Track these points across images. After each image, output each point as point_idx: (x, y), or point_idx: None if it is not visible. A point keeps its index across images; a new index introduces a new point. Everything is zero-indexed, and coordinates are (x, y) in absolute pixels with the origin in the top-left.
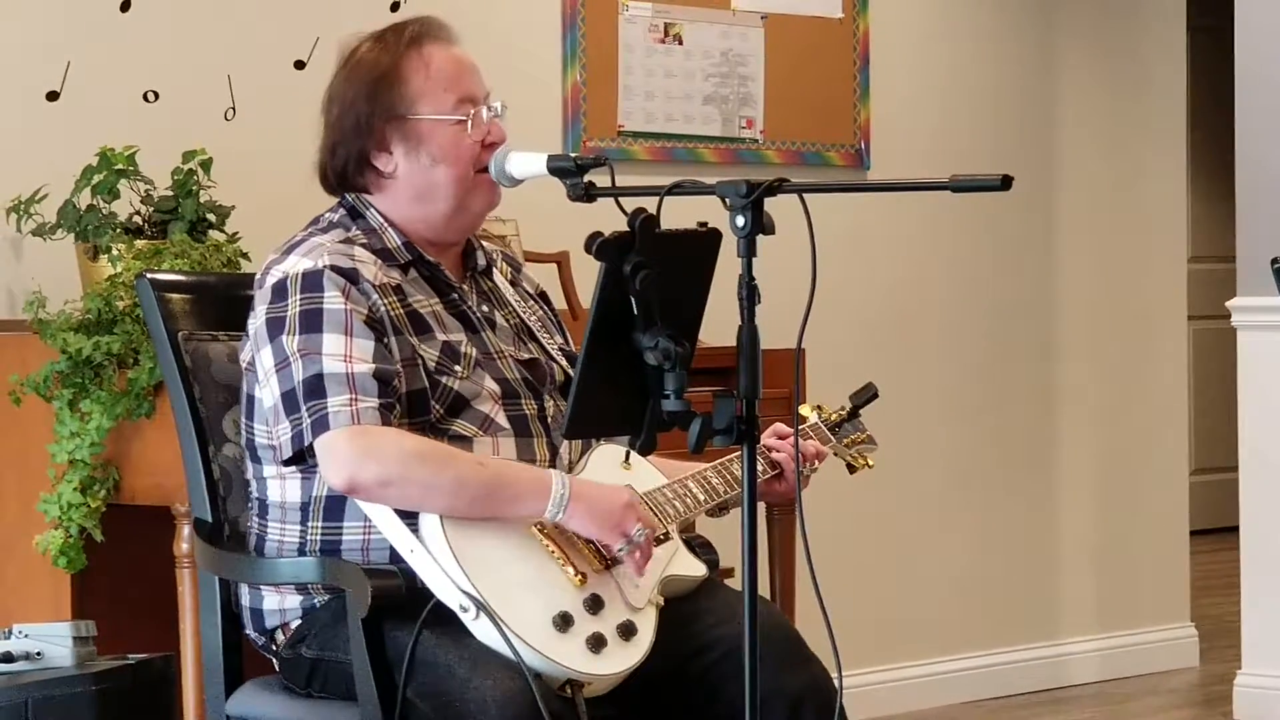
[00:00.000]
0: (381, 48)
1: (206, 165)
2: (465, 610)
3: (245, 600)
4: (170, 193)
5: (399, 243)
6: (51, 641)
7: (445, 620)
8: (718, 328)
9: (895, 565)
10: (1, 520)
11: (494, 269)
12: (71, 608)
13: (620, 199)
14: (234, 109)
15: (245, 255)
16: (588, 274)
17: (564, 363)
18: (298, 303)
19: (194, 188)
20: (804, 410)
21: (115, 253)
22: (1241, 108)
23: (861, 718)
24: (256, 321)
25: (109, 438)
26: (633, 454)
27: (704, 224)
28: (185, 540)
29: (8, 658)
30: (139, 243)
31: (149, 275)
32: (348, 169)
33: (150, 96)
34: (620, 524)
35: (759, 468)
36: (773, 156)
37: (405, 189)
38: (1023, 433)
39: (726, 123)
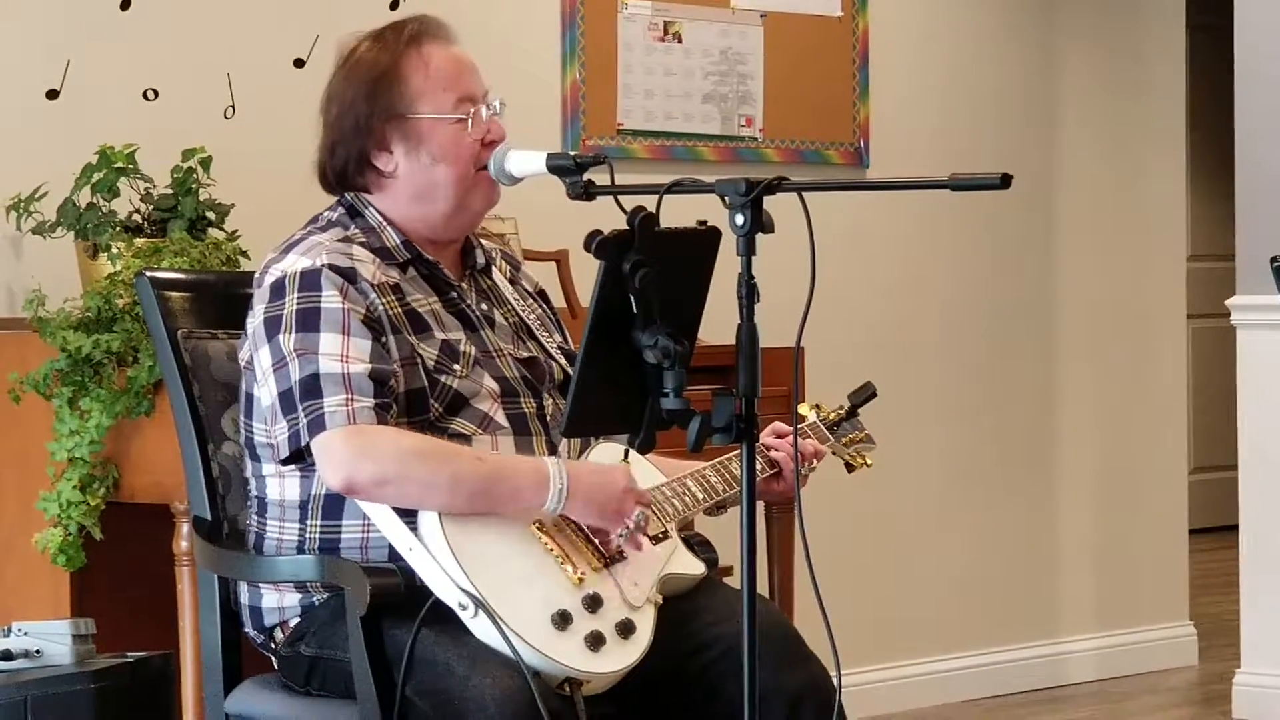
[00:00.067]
0: (380, 47)
1: (206, 163)
2: (464, 608)
3: (244, 598)
4: (170, 191)
5: (397, 241)
6: (51, 639)
7: (444, 618)
8: (717, 326)
9: (894, 564)
10: (1, 518)
11: (493, 267)
12: (71, 606)
13: (619, 197)
14: (234, 107)
15: (245, 253)
16: (587, 272)
17: (563, 361)
18: (295, 301)
19: (193, 186)
20: (802, 409)
21: (115, 251)
22: (1241, 107)
23: (860, 716)
24: (255, 320)
25: (108, 436)
26: (631, 452)
27: (703, 222)
28: (184, 538)
29: (7, 655)
30: (138, 241)
31: (148, 273)
32: (347, 168)
33: (150, 95)
34: (619, 510)
35: (757, 466)
36: (772, 155)
37: (405, 188)
38: (1022, 432)
39: (726, 121)
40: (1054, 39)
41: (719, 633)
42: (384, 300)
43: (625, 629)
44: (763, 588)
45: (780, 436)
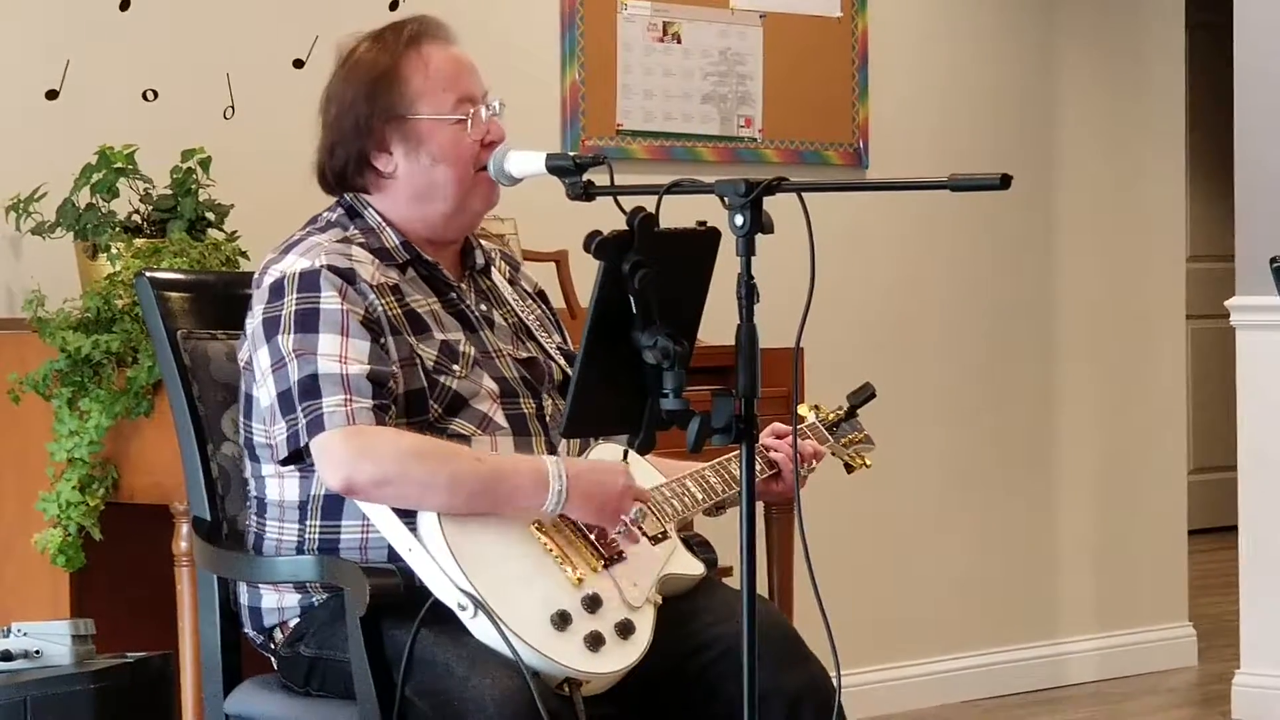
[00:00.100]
0: (380, 48)
1: (205, 164)
2: (463, 609)
3: (244, 599)
4: (169, 191)
5: (397, 242)
6: (50, 640)
7: (443, 619)
8: (716, 327)
9: (894, 564)
10: (0, 519)
11: (492, 268)
12: (70, 606)
13: (619, 198)
14: (233, 108)
15: (244, 254)
16: (586, 273)
17: (562, 362)
18: (294, 302)
19: (193, 186)
20: (802, 410)
21: (114, 251)
22: (1241, 107)
23: (860, 717)
24: (254, 321)
25: (108, 436)
26: (630, 453)
27: (703, 223)
28: (184, 539)
29: (6, 656)
30: (138, 241)
31: (148, 274)
32: (347, 169)
33: (149, 95)
34: (617, 509)
35: (756, 467)
36: (771, 155)
37: (405, 189)
38: (1021, 432)
39: (725, 122)
40: (1053, 39)
41: (718, 633)
42: (383, 301)
43: (625, 629)
44: (762, 588)
45: (779, 437)
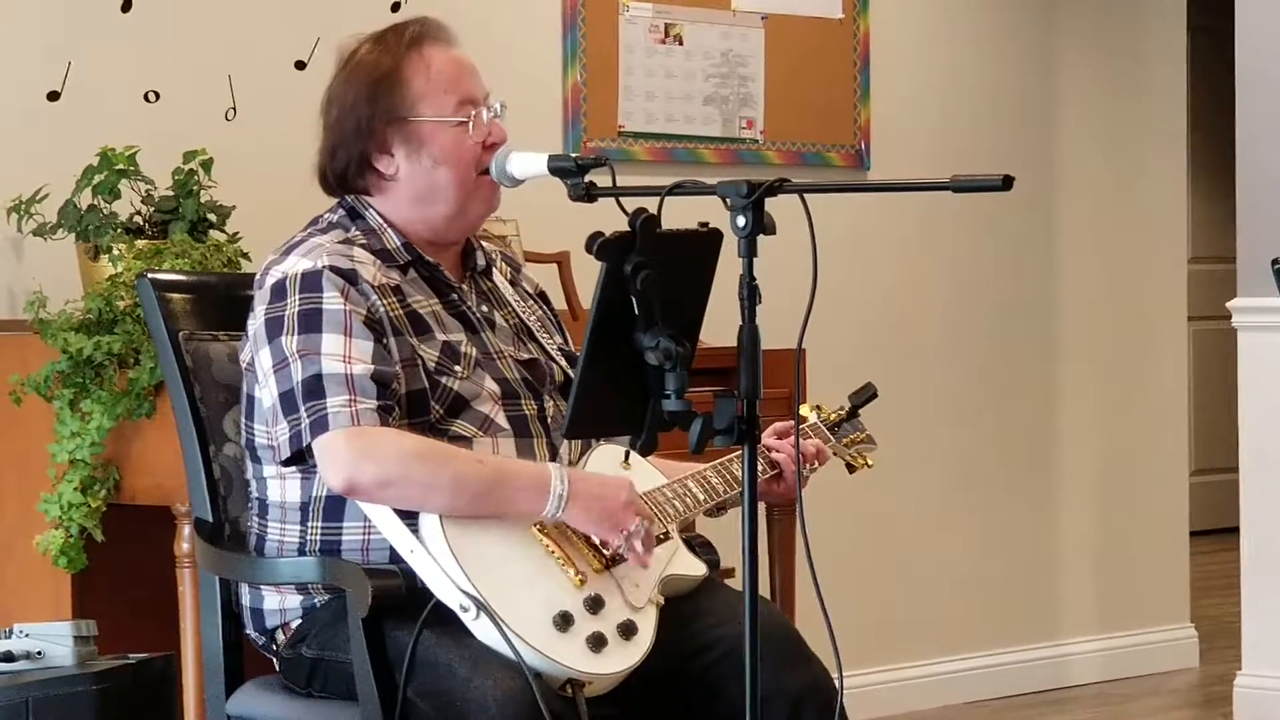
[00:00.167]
0: (381, 49)
1: (207, 165)
2: (465, 610)
3: (245, 600)
4: (171, 193)
5: (398, 243)
6: (52, 641)
7: (445, 620)
8: (718, 328)
9: (895, 565)
10: (2, 520)
11: (493, 269)
12: (72, 607)
13: (621, 199)
14: (235, 109)
15: (246, 255)
16: (588, 274)
17: (563, 363)
18: (296, 303)
19: (195, 188)
20: (803, 410)
21: (116, 252)
22: (1242, 108)
23: (862, 718)
24: (256, 322)
25: (109, 437)
26: (632, 454)
27: (705, 224)
28: (186, 540)
29: (8, 657)
30: (140, 243)
31: (150, 275)
32: (348, 171)
33: (151, 97)
34: (618, 521)
35: (758, 468)
36: (773, 157)
37: (406, 191)
38: (1023, 433)
39: (727, 123)
40: (1054, 39)
41: (721, 634)
42: (385, 302)
43: (627, 630)
44: (764, 589)
45: (781, 436)
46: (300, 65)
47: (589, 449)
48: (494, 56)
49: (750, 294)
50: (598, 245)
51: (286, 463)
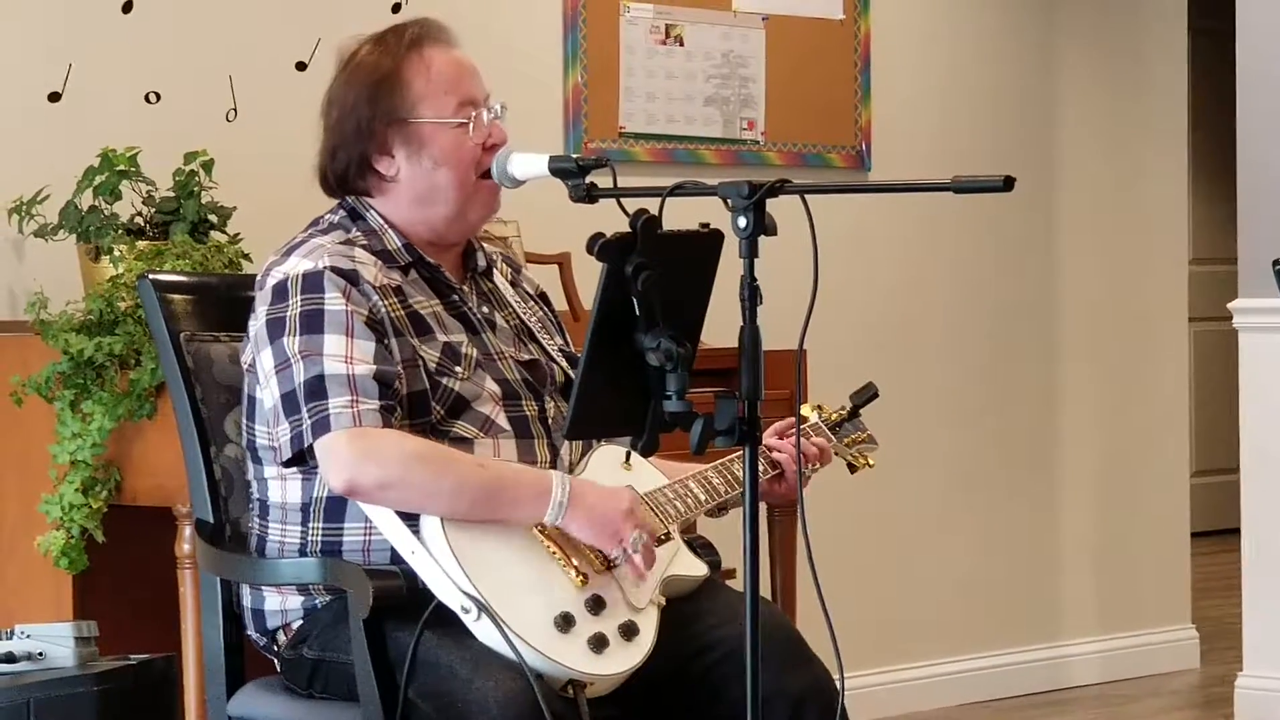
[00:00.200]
0: (381, 51)
1: (208, 166)
2: (466, 611)
3: (247, 601)
4: (172, 194)
5: (399, 244)
6: (53, 642)
7: (447, 621)
8: (719, 329)
9: (896, 566)
10: (3, 521)
11: (494, 270)
12: (73, 608)
13: (622, 200)
14: (236, 110)
15: (247, 256)
16: (589, 275)
17: (564, 364)
18: (298, 304)
19: (195, 189)
20: (804, 410)
21: (117, 254)
22: (1243, 109)
23: (863, 719)
24: (257, 323)
25: (110, 438)
26: (633, 454)
27: (706, 225)
28: (187, 541)
29: (10, 658)
30: (140, 244)
31: (151, 276)
32: (349, 172)
33: (152, 97)
34: (617, 532)
35: (759, 468)
36: (774, 158)
37: (407, 192)
38: (1024, 434)
39: (728, 124)
40: (1054, 40)
41: (722, 635)
42: (386, 302)
43: (628, 631)
44: (765, 590)
45: (783, 436)
46: (301, 66)
47: (590, 450)
48: (495, 58)
49: (751, 295)
50: (599, 246)
51: (288, 464)
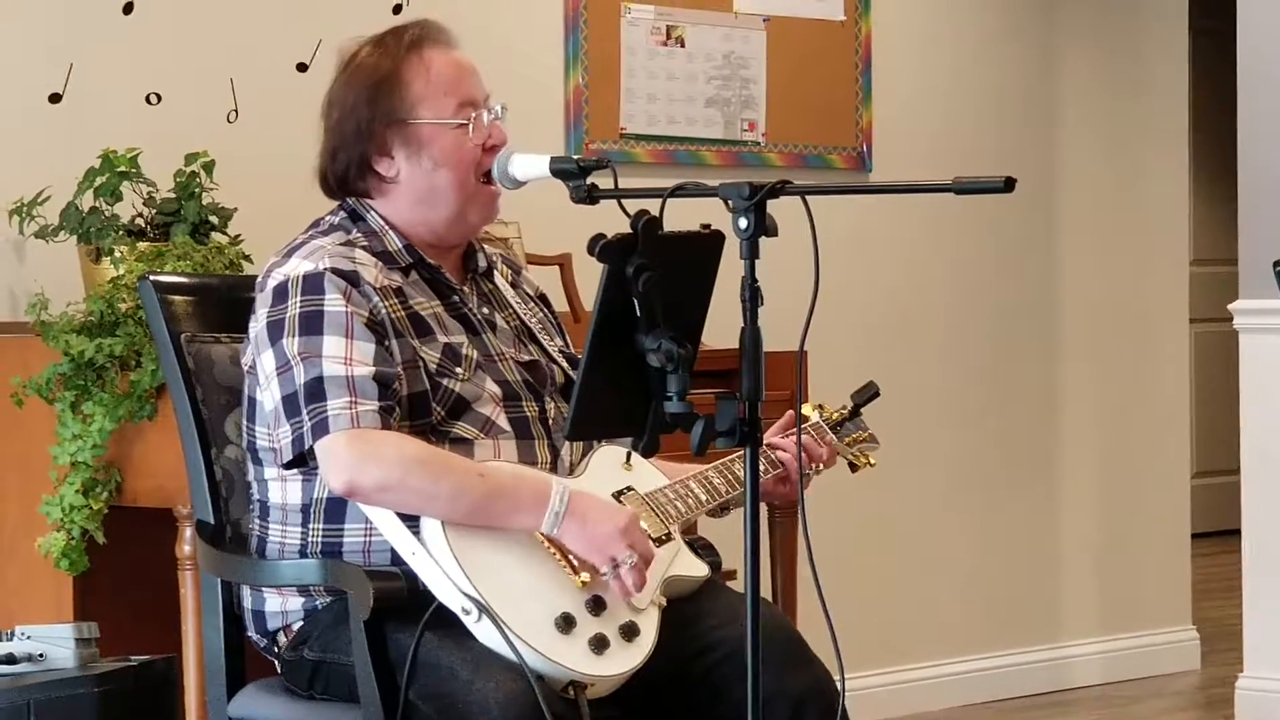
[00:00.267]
0: (381, 52)
1: (209, 167)
2: (467, 612)
3: (247, 602)
4: (173, 195)
5: (400, 245)
6: (54, 643)
7: (447, 622)
8: (720, 330)
9: (897, 567)
10: (3, 522)
11: (494, 271)
12: (74, 609)
13: (623, 201)
14: (236, 111)
15: (248, 257)
16: (590, 276)
17: (564, 365)
18: (298, 305)
19: (196, 190)
20: (806, 409)
21: (117, 255)
22: (1244, 110)
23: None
24: (257, 325)
25: (111, 440)
26: (634, 455)
27: (707, 226)
28: (187, 542)
29: (10, 659)
30: (141, 245)
31: (151, 277)
32: (349, 173)
33: (153, 99)
34: (607, 549)
35: (762, 466)
36: (775, 159)
37: (407, 193)
38: (1025, 435)
39: (728, 125)
40: (1055, 41)
41: (722, 635)
42: (386, 303)
43: (629, 631)
44: (765, 591)
45: (789, 429)
46: (302, 67)
47: (591, 451)
48: (495, 59)
49: (752, 296)
50: (600, 247)
51: (288, 465)
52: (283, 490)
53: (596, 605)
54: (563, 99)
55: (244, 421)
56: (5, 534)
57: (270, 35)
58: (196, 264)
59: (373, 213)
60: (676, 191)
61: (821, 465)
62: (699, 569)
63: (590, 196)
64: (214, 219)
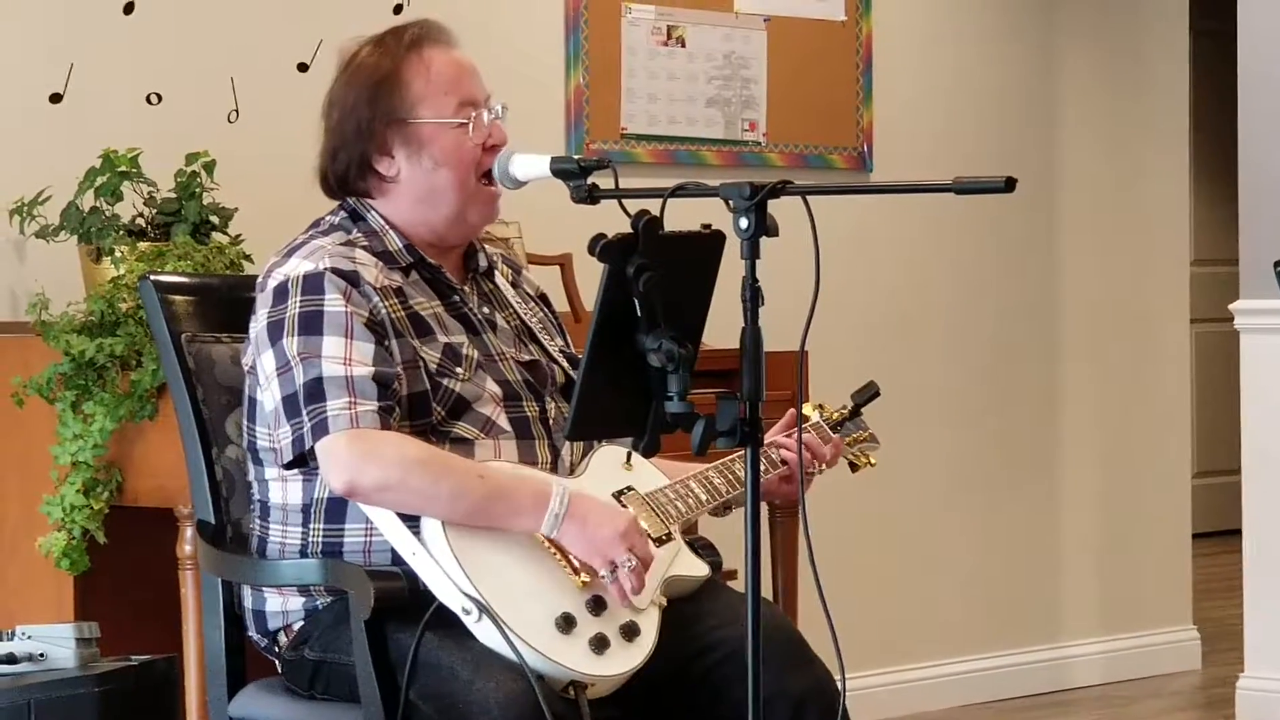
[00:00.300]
0: (381, 52)
1: (209, 167)
2: (468, 612)
3: (248, 602)
4: (173, 195)
5: (400, 245)
6: (54, 643)
7: (448, 622)
8: (721, 330)
9: (898, 567)
10: (4, 522)
11: (495, 270)
12: (74, 609)
13: (623, 201)
14: (237, 111)
15: (248, 257)
16: (591, 276)
17: (565, 364)
18: (298, 305)
19: (197, 190)
20: (806, 409)
21: (118, 255)
22: (1244, 110)
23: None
24: (258, 325)
25: (112, 439)
26: (634, 455)
27: (707, 226)
28: (188, 542)
29: (11, 659)
30: (142, 245)
31: (152, 277)
32: (349, 173)
33: (153, 99)
34: (607, 552)
35: (764, 465)
36: (775, 159)
37: (407, 193)
38: (1025, 435)
39: (729, 125)
40: (1056, 41)
41: (723, 635)
42: (386, 303)
43: (629, 631)
44: (766, 591)
45: (792, 427)
46: (303, 67)
47: (591, 451)
48: (496, 59)
49: (753, 296)
50: (600, 247)
51: (288, 466)
52: (283, 490)
53: (597, 605)
54: (563, 99)
55: (244, 421)
56: (6, 534)
57: (271, 35)
58: (197, 264)
59: (373, 212)
60: (677, 191)
61: (825, 464)
62: (699, 569)
63: (591, 196)
64: (214, 219)
